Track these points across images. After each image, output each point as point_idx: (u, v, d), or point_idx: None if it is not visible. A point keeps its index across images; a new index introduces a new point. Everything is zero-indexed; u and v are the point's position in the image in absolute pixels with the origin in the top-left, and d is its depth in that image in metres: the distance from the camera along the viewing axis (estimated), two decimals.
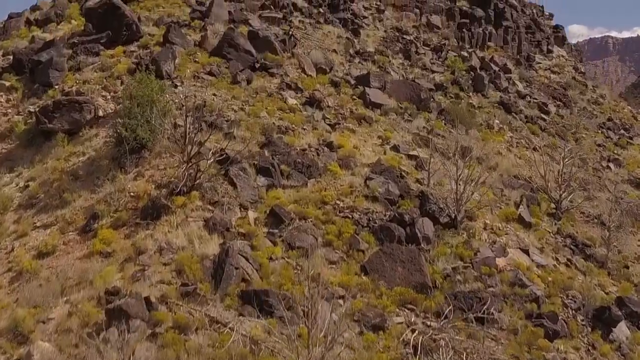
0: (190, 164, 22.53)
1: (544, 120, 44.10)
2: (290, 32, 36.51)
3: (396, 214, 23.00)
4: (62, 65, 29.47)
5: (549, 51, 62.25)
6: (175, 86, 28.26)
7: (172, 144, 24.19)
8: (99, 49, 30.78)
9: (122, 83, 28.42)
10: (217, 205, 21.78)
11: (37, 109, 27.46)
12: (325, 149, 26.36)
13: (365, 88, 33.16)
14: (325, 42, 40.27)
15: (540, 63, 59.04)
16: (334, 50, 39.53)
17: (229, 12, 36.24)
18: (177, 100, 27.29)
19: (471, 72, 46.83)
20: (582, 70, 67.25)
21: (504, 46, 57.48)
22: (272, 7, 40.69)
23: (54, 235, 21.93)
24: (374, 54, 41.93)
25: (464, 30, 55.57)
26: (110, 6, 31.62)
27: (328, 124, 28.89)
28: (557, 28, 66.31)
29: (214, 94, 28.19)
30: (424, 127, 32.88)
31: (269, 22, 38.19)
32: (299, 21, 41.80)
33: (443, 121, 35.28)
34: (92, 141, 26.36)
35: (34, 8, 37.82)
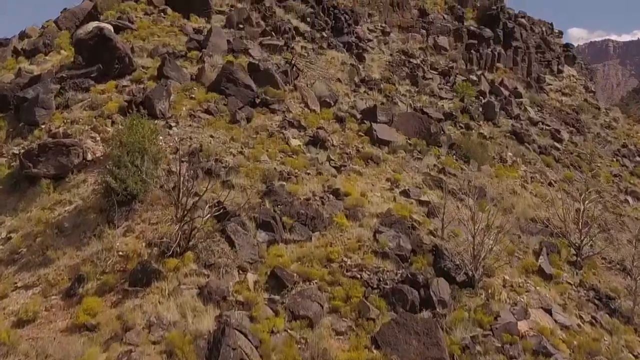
0: (184, 222, 20.85)
1: (558, 149, 42.46)
2: (293, 62, 34.87)
3: (409, 275, 21.24)
4: (49, 103, 27.83)
5: (560, 71, 60.76)
6: (170, 127, 26.60)
7: (165, 194, 22.56)
8: (89, 84, 29.14)
9: (112, 123, 26.76)
10: (213, 268, 20.03)
11: (21, 152, 25.79)
12: (331, 196, 24.64)
13: (372, 124, 31.50)
14: (329, 71, 38.65)
15: (551, 84, 57.53)
16: (338, 80, 37.90)
17: (228, 41, 34.62)
18: (171, 144, 25.68)
19: (481, 98, 45.37)
20: (593, 89, 65.74)
21: (514, 67, 55.97)
22: (273, 33, 39.10)
23: (35, 299, 20.19)
24: (380, 81, 40.33)
25: (472, 51, 54.06)
26: (101, 38, 29.98)
27: (333, 166, 27.22)
28: (567, 47, 64.81)
29: (211, 136, 26.53)
30: (434, 165, 31.19)
31: (270, 50, 36.58)
32: (302, 47, 40.22)
33: (454, 156, 33.62)
34: (79, 188, 24.65)
35: (22, 36, 36.18)
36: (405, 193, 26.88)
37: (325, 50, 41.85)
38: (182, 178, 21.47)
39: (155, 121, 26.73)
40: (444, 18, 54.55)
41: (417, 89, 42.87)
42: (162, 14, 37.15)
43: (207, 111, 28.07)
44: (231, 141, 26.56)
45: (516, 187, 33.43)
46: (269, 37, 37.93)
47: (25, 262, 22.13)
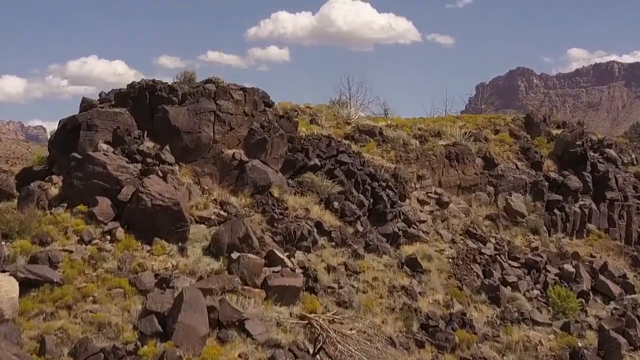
0: None
1: None
2: (318, 342, 21.76)
3: None
4: None
5: None
6: None
7: None
8: None
9: None
10: None
11: None
12: None
13: None
14: (374, 319, 25.50)
15: None
16: (391, 340, 24.73)
17: (211, 309, 21.41)
18: None
19: (585, 304, 32.78)
20: None
21: (610, 229, 42.86)
22: (285, 256, 26.10)
23: None
24: (450, 320, 27.21)
25: (555, 210, 41.12)
26: None
27: None
28: None
29: None
30: None
31: (280, 299, 23.47)
32: (327, 267, 27.21)
33: None
34: None
35: None
36: None
37: (362, 260, 28.94)
38: None
39: None
40: (516, 167, 41.62)
41: (501, 311, 29.85)
42: (108, 239, 23.99)
43: None
44: None
45: None
46: (278, 271, 24.78)
47: None
